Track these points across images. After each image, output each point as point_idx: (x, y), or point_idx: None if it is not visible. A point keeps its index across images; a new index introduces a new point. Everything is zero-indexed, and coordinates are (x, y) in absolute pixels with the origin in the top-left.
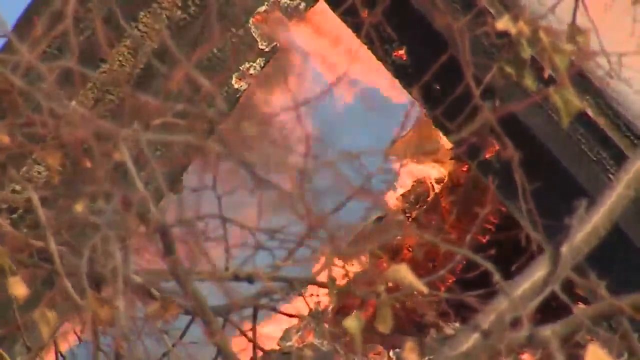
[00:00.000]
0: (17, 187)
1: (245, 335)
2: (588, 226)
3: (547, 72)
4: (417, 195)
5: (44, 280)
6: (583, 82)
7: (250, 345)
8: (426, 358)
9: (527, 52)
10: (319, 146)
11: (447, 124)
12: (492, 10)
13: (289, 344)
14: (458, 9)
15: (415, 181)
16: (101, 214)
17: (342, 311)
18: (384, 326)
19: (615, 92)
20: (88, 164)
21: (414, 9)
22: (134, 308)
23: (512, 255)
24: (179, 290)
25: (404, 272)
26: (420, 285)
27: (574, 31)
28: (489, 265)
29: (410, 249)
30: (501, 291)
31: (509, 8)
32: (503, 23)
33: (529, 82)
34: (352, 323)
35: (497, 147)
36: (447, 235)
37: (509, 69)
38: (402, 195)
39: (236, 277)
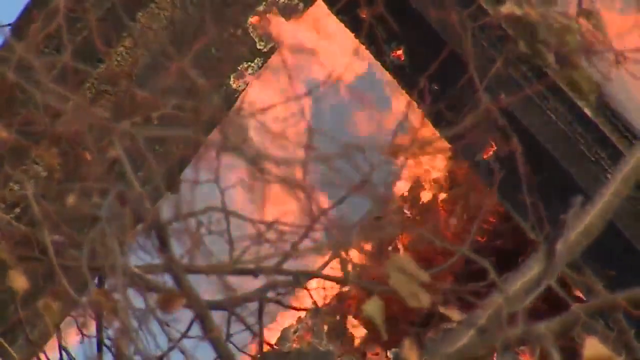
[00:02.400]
0: (16, 187)
1: (251, 330)
2: (583, 223)
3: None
4: (416, 195)
5: (44, 275)
6: None
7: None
8: (424, 358)
9: (541, 31)
10: (318, 140)
11: (445, 122)
12: (489, 7)
13: (287, 344)
14: (457, 5)
15: (413, 181)
16: (99, 208)
17: (339, 310)
18: (419, 300)
19: (614, 91)
20: (85, 158)
21: (413, 8)
22: (132, 302)
23: (510, 254)
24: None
25: (405, 262)
26: (422, 274)
27: (583, 13)
28: (486, 263)
29: (408, 249)
30: (497, 288)
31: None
32: (508, 7)
33: (547, 58)
34: (372, 307)
35: (495, 147)
36: (445, 235)
37: (523, 48)
38: (401, 195)
39: (240, 271)
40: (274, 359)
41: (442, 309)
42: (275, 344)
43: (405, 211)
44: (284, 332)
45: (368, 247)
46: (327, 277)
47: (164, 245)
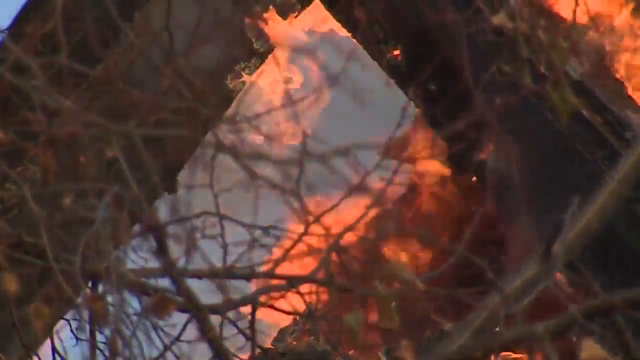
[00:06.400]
0: (13, 188)
1: (243, 333)
2: (580, 223)
3: (542, 70)
4: (413, 195)
5: (38, 279)
6: (578, 81)
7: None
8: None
9: (524, 50)
10: (313, 142)
11: (442, 123)
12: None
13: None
14: (454, 7)
15: (411, 181)
16: (94, 211)
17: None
18: (390, 322)
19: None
20: (82, 160)
21: (410, 9)
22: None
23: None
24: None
25: (400, 268)
26: (416, 281)
27: (571, 29)
28: (483, 264)
29: (404, 251)
30: (495, 288)
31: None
32: (499, 19)
33: (527, 79)
34: (352, 319)
35: (491, 149)
36: (442, 235)
37: (507, 67)
38: (399, 195)
39: (233, 275)
40: (271, 359)
41: (434, 316)
42: (272, 345)
43: (402, 213)
44: (281, 332)
45: (364, 249)
46: (320, 281)
47: (161, 248)
